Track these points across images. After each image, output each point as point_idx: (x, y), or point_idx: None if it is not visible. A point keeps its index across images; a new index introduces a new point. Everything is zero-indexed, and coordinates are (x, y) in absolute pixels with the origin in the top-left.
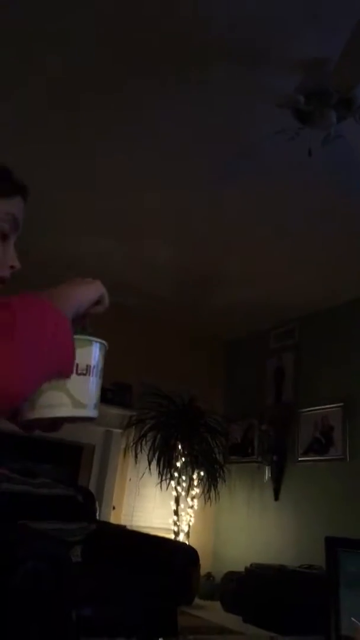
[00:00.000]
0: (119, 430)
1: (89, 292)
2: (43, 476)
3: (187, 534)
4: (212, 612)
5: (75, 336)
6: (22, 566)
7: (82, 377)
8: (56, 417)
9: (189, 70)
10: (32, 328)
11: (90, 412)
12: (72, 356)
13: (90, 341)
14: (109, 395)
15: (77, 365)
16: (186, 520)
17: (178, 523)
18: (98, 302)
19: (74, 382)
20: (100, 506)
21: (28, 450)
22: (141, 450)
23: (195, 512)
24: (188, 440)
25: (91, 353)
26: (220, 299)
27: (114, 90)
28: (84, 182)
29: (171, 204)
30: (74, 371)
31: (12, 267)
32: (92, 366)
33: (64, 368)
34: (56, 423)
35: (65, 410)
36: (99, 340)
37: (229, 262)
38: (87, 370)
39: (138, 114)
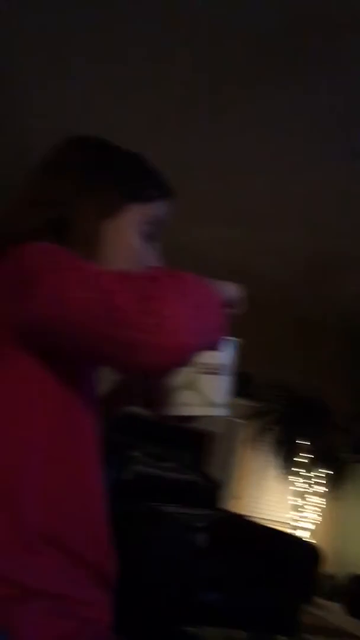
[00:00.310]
0: (242, 421)
1: (226, 290)
2: (171, 461)
3: (310, 531)
4: (333, 613)
5: None
6: (153, 547)
7: (214, 376)
8: (188, 415)
9: (327, 53)
10: (198, 293)
11: (222, 411)
12: (223, 328)
13: (223, 340)
14: None
15: (209, 363)
16: (308, 517)
17: (299, 519)
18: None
19: (206, 381)
20: (223, 494)
21: (155, 433)
22: (264, 443)
23: (317, 509)
24: (311, 436)
25: (224, 351)
26: (352, 286)
27: (248, 72)
28: (212, 169)
29: (300, 185)
30: (206, 370)
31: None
32: (224, 365)
33: (215, 341)
34: (190, 417)
35: (197, 409)
36: (232, 338)
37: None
38: (219, 369)
39: (273, 100)
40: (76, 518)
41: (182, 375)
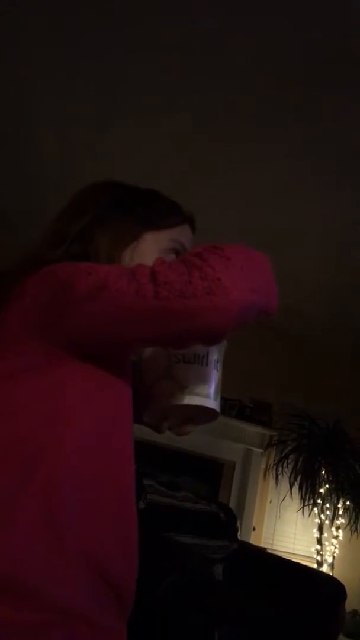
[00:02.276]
0: (260, 450)
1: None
2: (186, 490)
3: (332, 566)
4: None
5: None
6: (166, 578)
7: (191, 365)
8: (169, 405)
9: (344, 85)
10: (243, 256)
11: (204, 402)
12: (275, 292)
13: None
14: (247, 412)
15: (186, 353)
16: (330, 551)
17: (322, 553)
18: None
19: (183, 370)
20: (240, 526)
21: (171, 462)
22: (282, 473)
23: (340, 543)
24: (333, 466)
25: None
26: None
27: (264, 102)
28: (232, 200)
29: (316, 212)
30: (182, 359)
31: None
32: (200, 355)
33: (271, 300)
34: (185, 423)
35: (176, 399)
36: None
37: None
38: (195, 359)
39: (290, 130)
40: (115, 539)
41: (161, 366)
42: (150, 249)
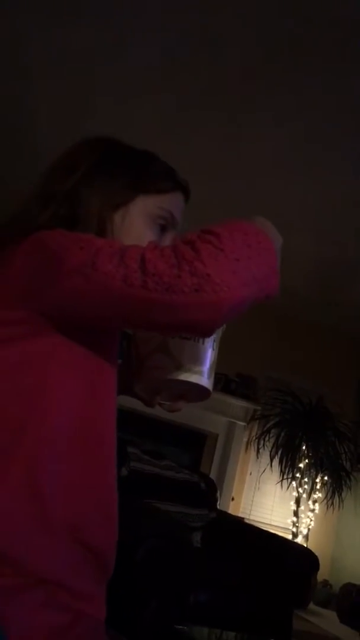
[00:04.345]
0: (243, 423)
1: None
2: (168, 459)
3: (306, 537)
4: (327, 620)
5: None
6: (145, 543)
7: (186, 341)
8: (162, 379)
9: (336, 59)
10: (240, 243)
11: (196, 379)
12: (276, 274)
13: None
14: (232, 386)
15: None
16: (306, 524)
17: (297, 525)
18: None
19: (177, 345)
20: (220, 496)
21: (156, 432)
22: (264, 446)
23: (316, 516)
24: (313, 442)
25: None
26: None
27: (253, 74)
28: (218, 173)
29: (314, 193)
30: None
31: None
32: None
33: (270, 286)
34: (177, 398)
35: (169, 372)
36: None
37: None
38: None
39: (277, 104)
40: (96, 508)
41: (157, 339)
42: (139, 214)
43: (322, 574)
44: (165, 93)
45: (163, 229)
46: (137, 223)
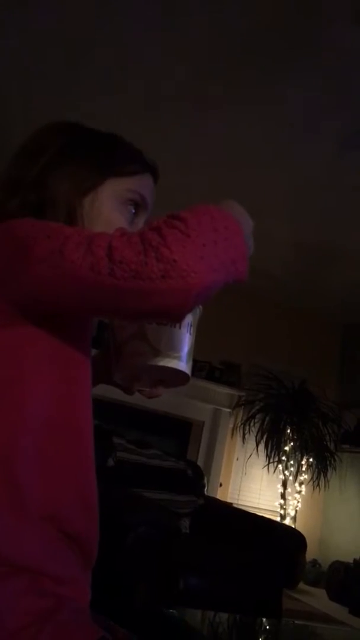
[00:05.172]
0: (228, 410)
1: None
2: (155, 448)
3: (294, 519)
4: (317, 599)
5: None
6: (134, 531)
7: (163, 327)
8: (139, 365)
9: (320, 35)
10: (208, 228)
11: (173, 364)
12: (245, 259)
13: None
14: (216, 373)
15: None
16: (293, 505)
17: (284, 507)
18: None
19: (154, 331)
20: (207, 482)
21: (140, 421)
22: (249, 431)
23: (302, 497)
24: (298, 425)
25: None
26: (339, 277)
27: (238, 59)
28: (201, 160)
29: (289, 177)
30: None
31: None
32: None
33: (238, 270)
34: (155, 385)
35: (147, 359)
36: None
37: (350, 239)
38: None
39: (258, 89)
40: (76, 498)
41: (133, 326)
42: (109, 198)
43: (310, 554)
44: (135, 79)
45: (135, 211)
46: (107, 207)
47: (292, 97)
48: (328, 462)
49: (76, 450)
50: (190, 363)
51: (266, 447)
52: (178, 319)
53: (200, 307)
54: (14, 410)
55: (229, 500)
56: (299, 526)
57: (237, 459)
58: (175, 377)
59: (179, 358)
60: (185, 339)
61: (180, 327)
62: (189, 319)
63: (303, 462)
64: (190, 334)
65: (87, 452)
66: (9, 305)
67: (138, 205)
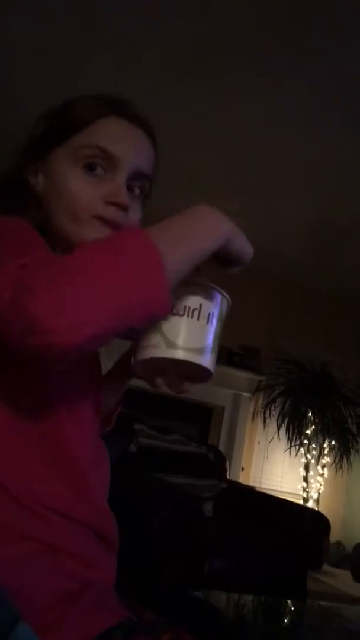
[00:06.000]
0: (248, 395)
1: (212, 234)
2: (176, 433)
3: (317, 502)
4: (342, 580)
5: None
6: (159, 515)
7: (179, 318)
8: (151, 357)
9: (329, 21)
10: (102, 270)
11: (189, 357)
12: (160, 298)
13: (187, 282)
14: (236, 358)
15: (176, 304)
16: (315, 488)
17: (307, 490)
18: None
19: (170, 323)
20: (229, 466)
21: (161, 408)
22: (270, 415)
23: (325, 480)
24: (319, 408)
25: (197, 296)
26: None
27: (249, 38)
28: (212, 139)
29: (304, 154)
30: (171, 310)
31: (112, 203)
32: (191, 308)
33: (151, 309)
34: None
35: (157, 351)
36: (212, 287)
37: None
38: (185, 311)
39: (273, 66)
40: (57, 482)
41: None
42: (58, 167)
43: (334, 536)
44: (150, 51)
45: (91, 167)
46: (59, 179)
47: (313, 70)
48: (350, 445)
49: (49, 440)
50: (214, 357)
51: (287, 430)
52: (59, 365)
53: (228, 297)
54: None
55: (251, 484)
56: (322, 509)
57: (259, 443)
58: (196, 372)
59: (197, 351)
60: (206, 331)
61: (199, 319)
62: (210, 309)
63: (325, 445)
64: (211, 324)
65: (64, 441)
66: None
67: (98, 160)
